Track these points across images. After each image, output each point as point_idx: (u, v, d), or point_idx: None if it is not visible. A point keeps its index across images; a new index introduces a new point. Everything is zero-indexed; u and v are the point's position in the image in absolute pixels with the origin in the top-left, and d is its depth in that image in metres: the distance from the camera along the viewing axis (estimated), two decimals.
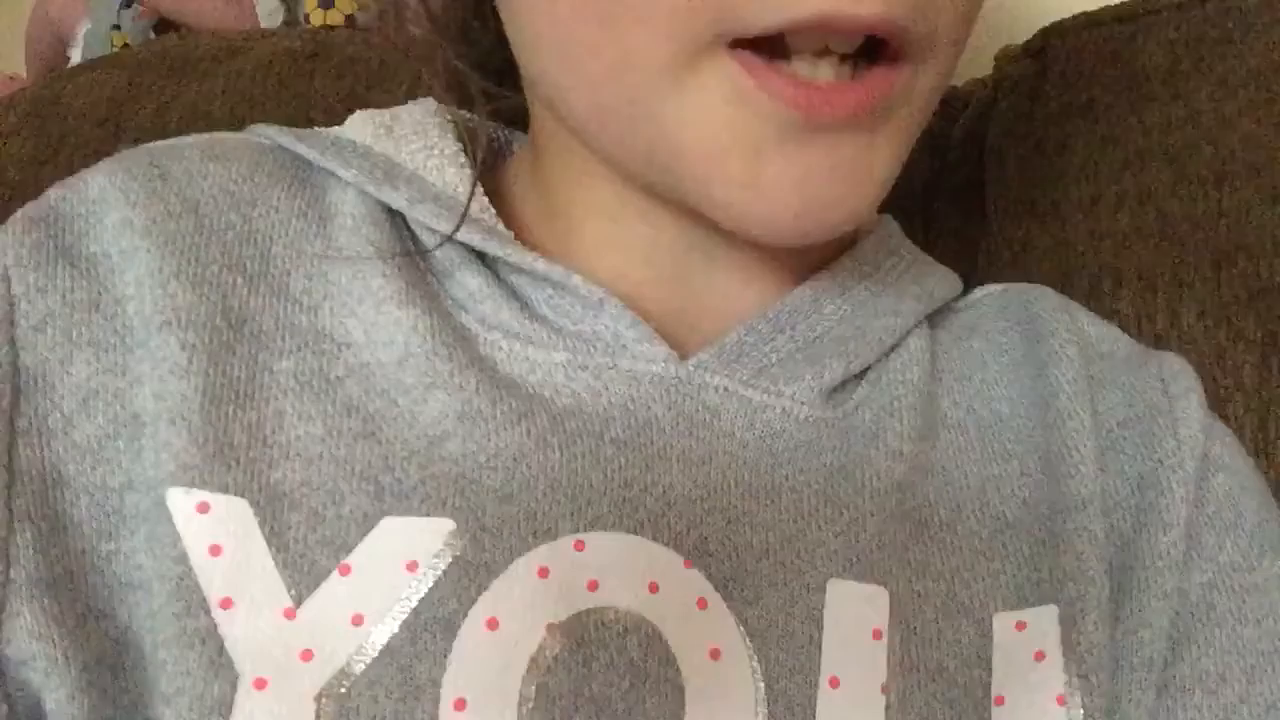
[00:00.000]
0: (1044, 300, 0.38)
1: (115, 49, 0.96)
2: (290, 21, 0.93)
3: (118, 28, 0.98)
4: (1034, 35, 0.56)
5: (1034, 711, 0.31)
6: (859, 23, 0.27)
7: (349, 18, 0.91)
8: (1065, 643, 0.32)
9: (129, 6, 0.98)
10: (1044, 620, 0.32)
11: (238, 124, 0.58)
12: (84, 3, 1.02)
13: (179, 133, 0.58)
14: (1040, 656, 0.32)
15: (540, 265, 0.32)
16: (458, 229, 0.32)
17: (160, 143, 0.34)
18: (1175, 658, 0.33)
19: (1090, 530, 0.33)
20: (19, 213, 0.31)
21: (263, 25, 0.92)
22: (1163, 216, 0.47)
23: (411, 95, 0.38)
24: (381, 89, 0.57)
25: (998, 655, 0.31)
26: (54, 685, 0.26)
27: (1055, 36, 0.54)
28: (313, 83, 0.58)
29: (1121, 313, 0.46)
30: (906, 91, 0.29)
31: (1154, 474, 0.34)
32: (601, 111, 0.30)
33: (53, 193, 0.32)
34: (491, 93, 0.38)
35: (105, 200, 0.31)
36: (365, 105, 0.38)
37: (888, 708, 0.30)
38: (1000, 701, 0.31)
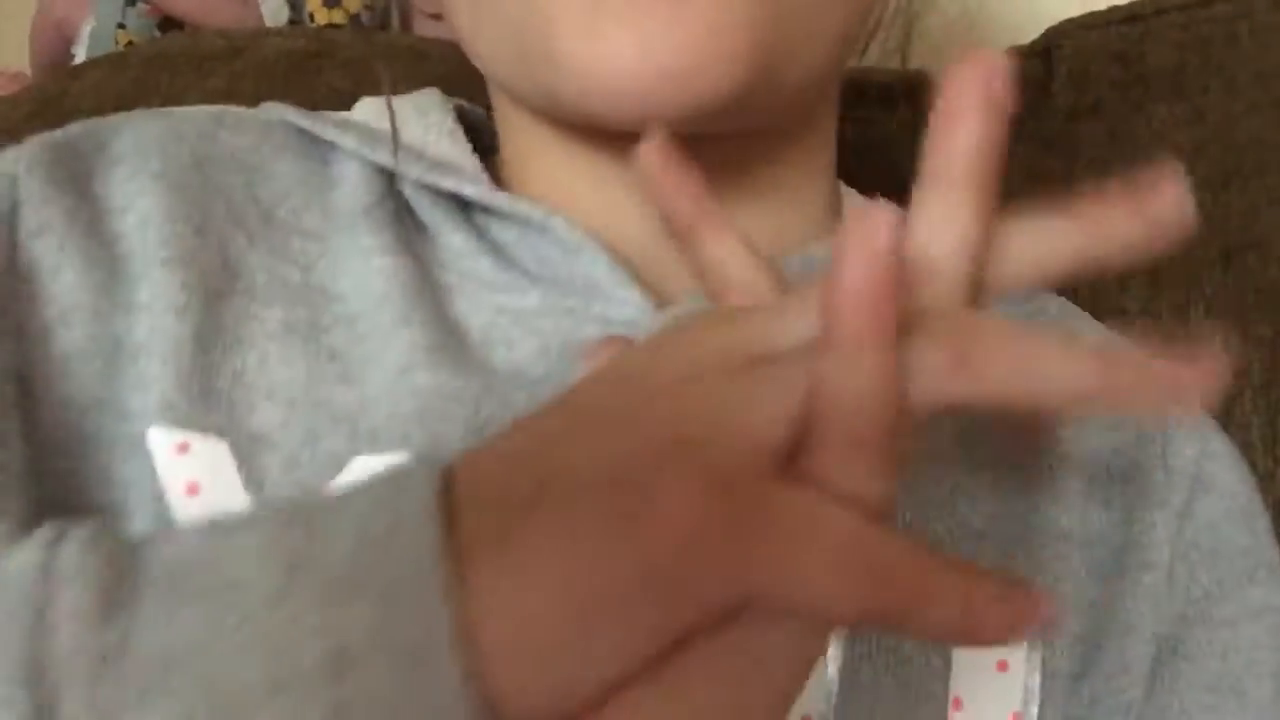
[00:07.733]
0: (1048, 308, 0.37)
1: (120, 47, 0.96)
2: (295, 20, 0.93)
3: (123, 26, 0.98)
4: (1040, 35, 0.55)
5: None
6: None
7: (353, 16, 0.92)
8: (1029, 661, 0.31)
9: (134, 5, 0.98)
10: None
11: None
12: (89, 1, 1.02)
13: None
14: (1004, 667, 0.31)
15: (521, 207, 0.32)
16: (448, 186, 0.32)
17: (176, 108, 0.35)
18: (1148, 692, 0.32)
19: (1068, 561, 0.32)
20: (41, 135, 0.32)
21: (268, 24, 0.92)
22: None
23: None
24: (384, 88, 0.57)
25: (958, 652, 0.31)
26: None
27: (1061, 36, 0.54)
28: (317, 81, 0.58)
29: (1129, 311, 0.46)
30: None
31: (1141, 511, 0.33)
32: (499, 40, 0.31)
33: (75, 128, 0.32)
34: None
35: (121, 148, 0.32)
36: None
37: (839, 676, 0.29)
38: (958, 705, 0.30)
